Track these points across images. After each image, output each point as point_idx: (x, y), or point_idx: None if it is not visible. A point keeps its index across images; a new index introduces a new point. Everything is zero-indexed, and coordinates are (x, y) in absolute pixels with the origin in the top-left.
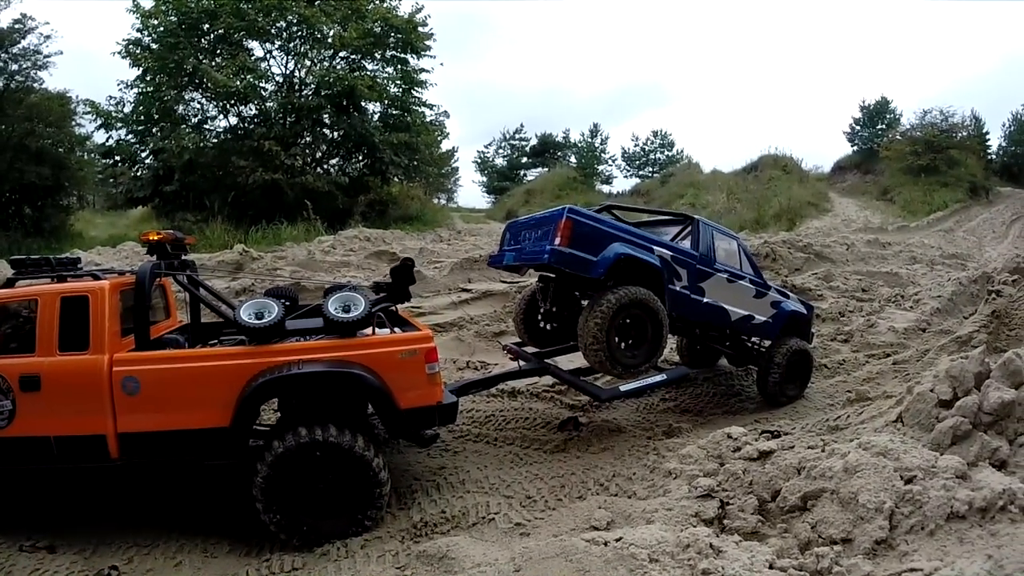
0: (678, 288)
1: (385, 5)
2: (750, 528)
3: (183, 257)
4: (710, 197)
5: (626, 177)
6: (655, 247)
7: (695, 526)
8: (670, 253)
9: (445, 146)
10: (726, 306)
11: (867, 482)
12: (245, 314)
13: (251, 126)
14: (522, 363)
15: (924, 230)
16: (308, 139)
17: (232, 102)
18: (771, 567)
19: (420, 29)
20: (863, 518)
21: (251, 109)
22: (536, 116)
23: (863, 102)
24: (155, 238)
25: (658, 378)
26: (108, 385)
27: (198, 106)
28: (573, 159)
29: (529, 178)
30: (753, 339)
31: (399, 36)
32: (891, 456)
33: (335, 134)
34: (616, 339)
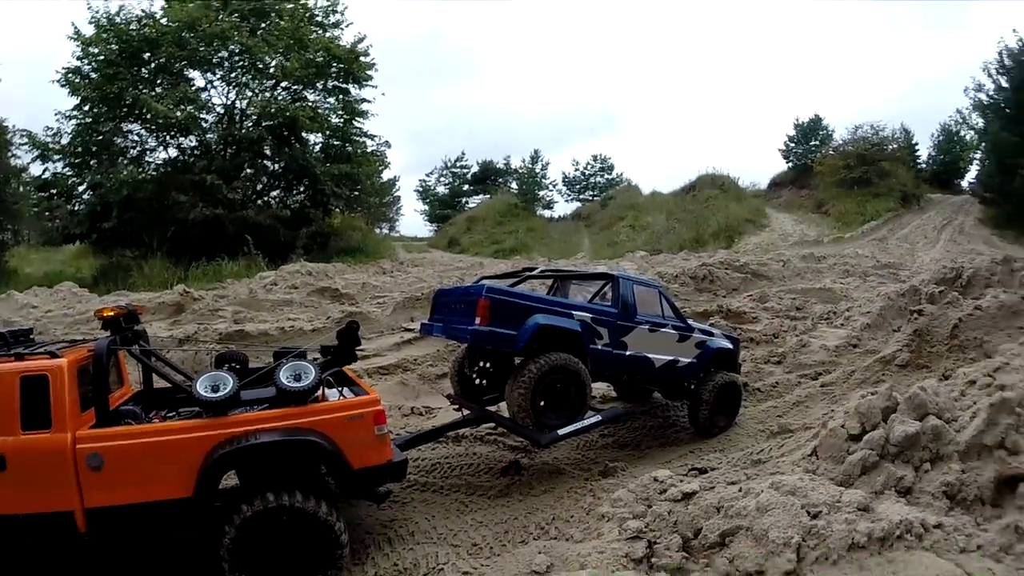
0: (600, 347)
1: (328, 35)
2: (675, 565)
3: (136, 327)
4: (650, 218)
5: (567, 201)
6: (574, 312)
7: (625, 567)
8: (590, 315)
9: (386, 175)
10: (650, 355)
11: (777, 519)
12: (201, 387)
13: (191, 159)
14: (465, 412)
15: (858, 240)
16: (249, 171)
17: (172, 133)
18: None
19: (362, 59)
20: (773, 552)
21: (191, 141)
22: (478, 144)
23: (797, 120)
24: (109, 314)
25: (594, 419)
26: (72, 462)
27: (137, 138)
28: (514, 185)
29: (471, 205)
30: (681, 378)
31: (341, 66)
32: (799, 494)
33: (276, 166)
34: (541, 403)
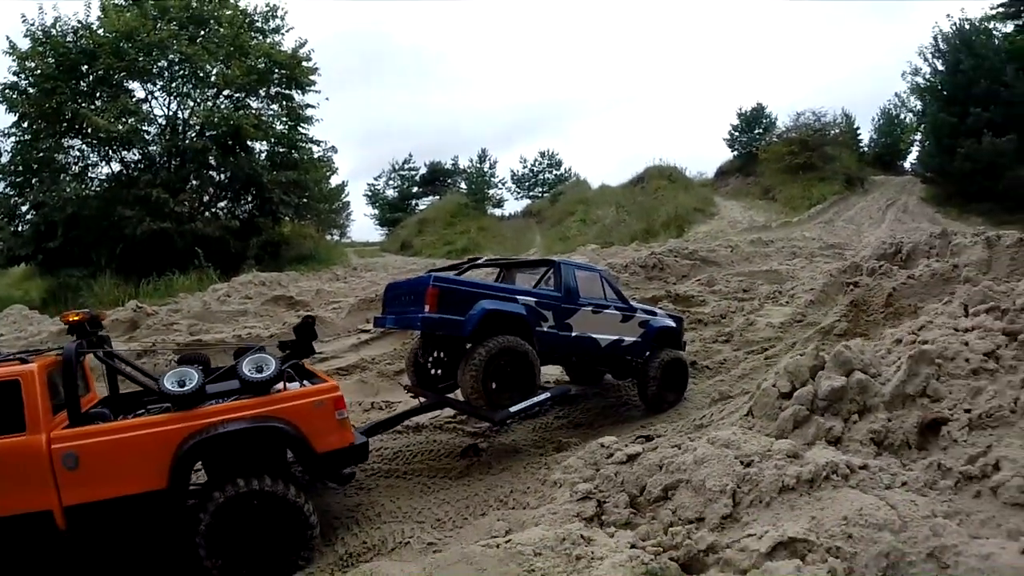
0: (546, 328)
1: (268, 41)
2: (624, 520)
3: (99, 333)
4: (600, 212)
5: (517, 199)
6: (519, 296)
7: (574, 524)
8: (534, 300)
9: (334, 181)
10: (595, 335)
11: (712, 470)
12: (168, 383)
13: (136, 172)
14: (422, 399)
15: (806, 224)
16: (195, 183)
17: (114, 147)
18: (632, 547)
19: (305, 64)
20: (711, 500)
21: (134, 154)
22: (425, 145)
23: (740, 109)
24: (75, 319)
25: (543, 396)
26: (49, 463)
27: (78, 153)
28: (464, 185)
29: (421, 207)
30: (627, 357)
31: (283, 72)
32: (732, 446)
33: (222, 176)
34: (492, 384)
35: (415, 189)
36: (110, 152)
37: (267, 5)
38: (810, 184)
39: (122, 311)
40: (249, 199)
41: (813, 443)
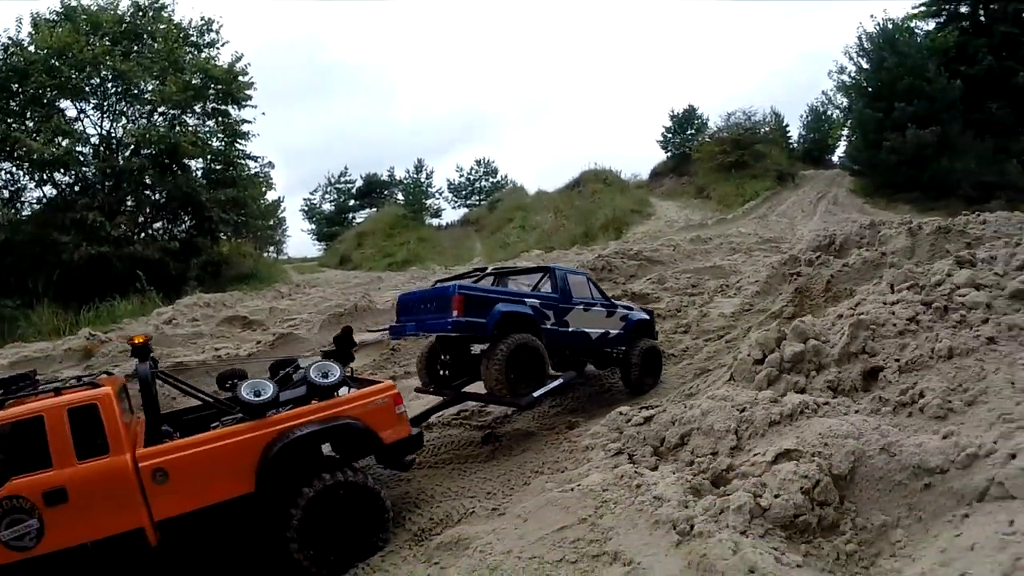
0: (548, 326)
1: (204, 55)
2: (652, 466)
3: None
4: (539, 217)
5: (454, 208)
6: (526, 299)
7: (624, 466)
8: (538, 300)
9: (270, 197)
10: (587, 329)
11: (717, 417)
12: (246, 393)
13: (70, 195)
14: (443, 397)
15: (740, 220)
16: (131, 204)
17: (47, 170)
18: (674, 473)
19: (241, 78)
20: (720, 438)
21: (68, 176)
22: (360, 158)
23: (672, 111)
24: (140, 341)
25: (559, 380)
26: (137, 481)
27: (8, 176)
28: (400, 196)
29: (358, 220)
30: (611, 347)
31: (220, 87)
32: (729, 399)
33: (158, 196)
34: (511, 376)
35: (352, 202)
36: (44, 176)
37: (202, 19)
38: (743, 181)
39: (74, 340)
40: (187, 219)
41: (785, 393)
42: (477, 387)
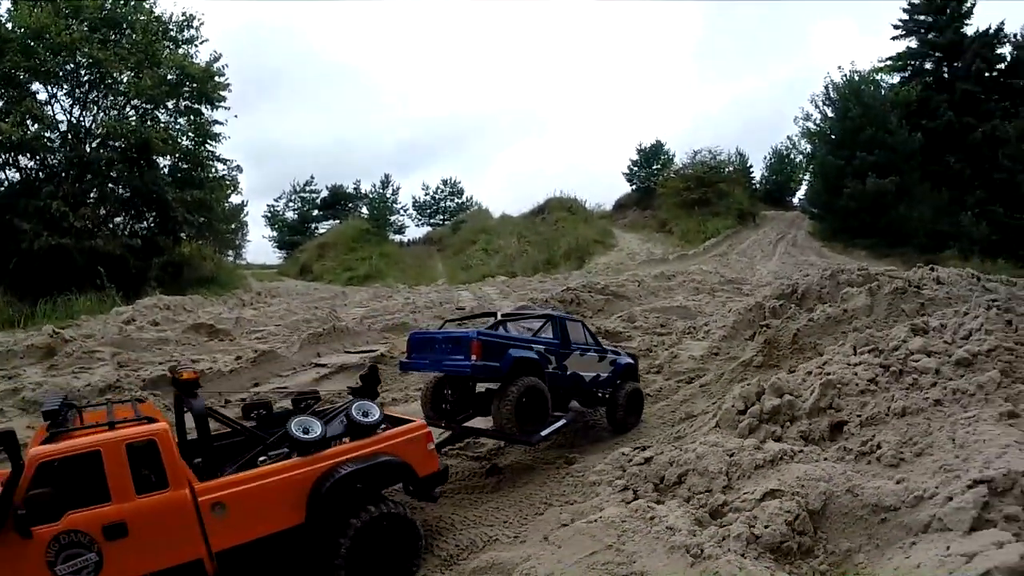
0: (551, 369)
1: (182, 51)
2: (654, 500)
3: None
4: (502, 241)
5: (418, 226)
6: (533, 345)
7: (638, 501)
8: (543, 346)
9: (235, 200)
10: (582, 373)
11: (710, 460)
12: (297, 431)
13: (35, 182)
14: (449, 430)
15: (701, 256)
16: (95, 196)
17: (12, 153)
18: (679, 507)
19: (217, 79)
20: (713, 478)
21: (35, 162)
22: (321, 166)
23: (640, 145)
24: (188, 377)
25: (563, 421)
26: (196, 514)
27: None
28: (365, 210)
29: (321, 231)
30: (600, 389)
31: (194, 85)
32: (719, 445)
33: (123, 190)
34: (520, 415)
35: (315, 212)
36: (9, 160)
37: (183, 14)
38: (705, 218)
39: (37, 336)
40: (150, 217)
41: (765, 441)
42: (476, 421)
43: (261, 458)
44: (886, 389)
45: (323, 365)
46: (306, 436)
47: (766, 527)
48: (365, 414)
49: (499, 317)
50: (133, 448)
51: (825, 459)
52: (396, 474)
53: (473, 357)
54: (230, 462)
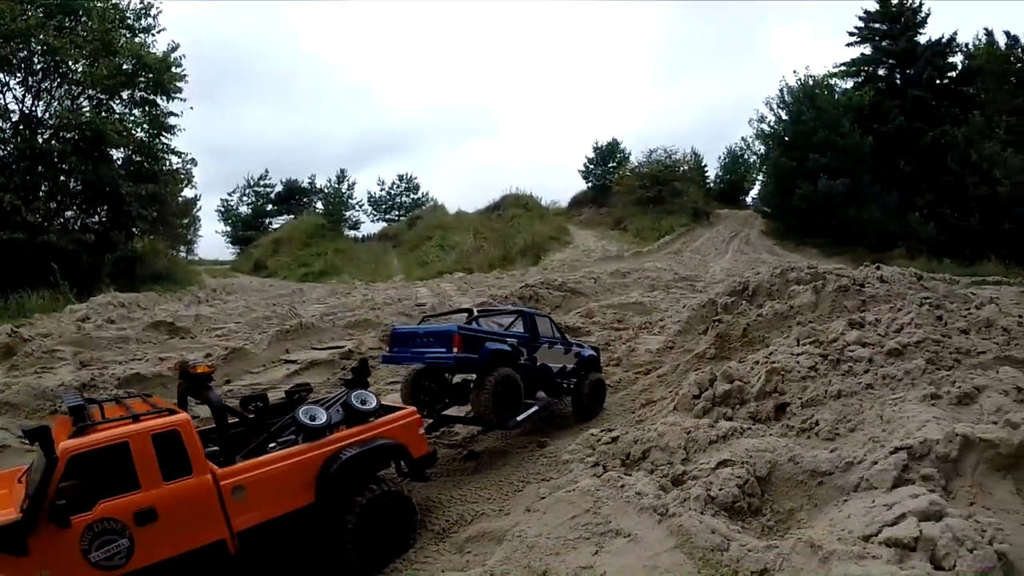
0: (523, 361)
1: (138, 40)
2: (623, 473)
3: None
4: (458, 238)
5: (373, 221)
6: (507, 338)
7: (610, 472)
8: (515, 339)
9: (188, 194)
10: (550, 364)
11: (670, 437)
12: (305, 418)
13: None
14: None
15: (656, 254)
16: (46, 189)
17: None
18: (645, 477)
19: (174, 69)
20: (673, 452)
21: None
22: (276, 161)
23: (596, 143)
24: (202, 371)
25: (535, 408)
26: (218, 498)
27: None
28: (320, 205)
29: (275, 226)
30: (566, 380)
31: (151, 76)
32: (677, 424)
33: (75, 183)
34: (496, 403)
35: (270, 207)
36: None
37: (141, 2)
38: (659, 216)
39: None
40: (102, 210)
41: (718, 420)
42: (452, 410)
43: (271, 444)
44: (824, 375)
45: (293, 361)
46: (314, 423)
47: (720, 490)
48: (363, 402)
49: (474, 313)
50: (159, 438)
51: (771, 435)
52: (394, 456)
53: (455, 349)
54: (237, 451)
